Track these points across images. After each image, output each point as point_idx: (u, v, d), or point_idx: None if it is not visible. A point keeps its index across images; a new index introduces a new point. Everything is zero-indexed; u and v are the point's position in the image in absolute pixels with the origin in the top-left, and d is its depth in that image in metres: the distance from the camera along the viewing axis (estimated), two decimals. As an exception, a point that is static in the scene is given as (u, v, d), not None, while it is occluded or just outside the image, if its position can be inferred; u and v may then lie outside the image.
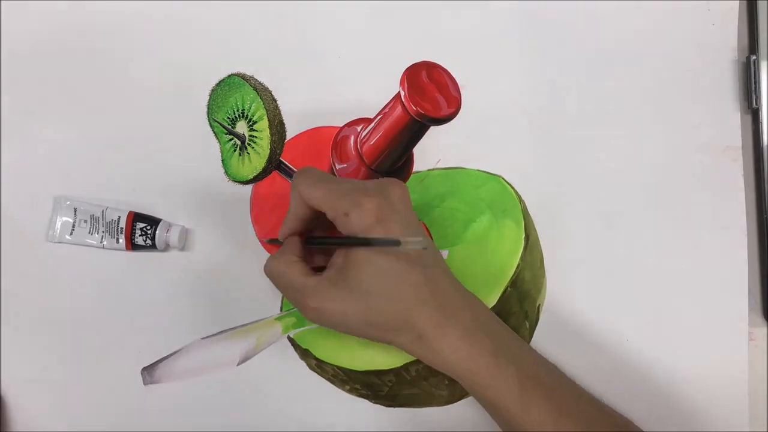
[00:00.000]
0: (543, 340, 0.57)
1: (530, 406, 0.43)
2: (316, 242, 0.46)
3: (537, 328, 0.57)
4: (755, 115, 0.58)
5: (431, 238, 0.57)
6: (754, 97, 0.58)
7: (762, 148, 0.58)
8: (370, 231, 0.42)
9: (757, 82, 0.58)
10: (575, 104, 0.60)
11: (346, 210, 0.42)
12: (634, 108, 0.60)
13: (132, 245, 0.58)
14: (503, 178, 0.59)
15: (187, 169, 0.60)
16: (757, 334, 0.57)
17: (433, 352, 0.44)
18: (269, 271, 0.46)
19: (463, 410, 0.56)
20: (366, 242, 0.41)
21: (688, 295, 0.57)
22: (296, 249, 0.46)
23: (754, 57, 0.58)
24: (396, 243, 0.39)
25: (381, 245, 0.41)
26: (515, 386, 0.43)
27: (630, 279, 0.57)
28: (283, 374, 0.58)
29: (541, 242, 0.58)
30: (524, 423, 0.44)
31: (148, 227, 0.58)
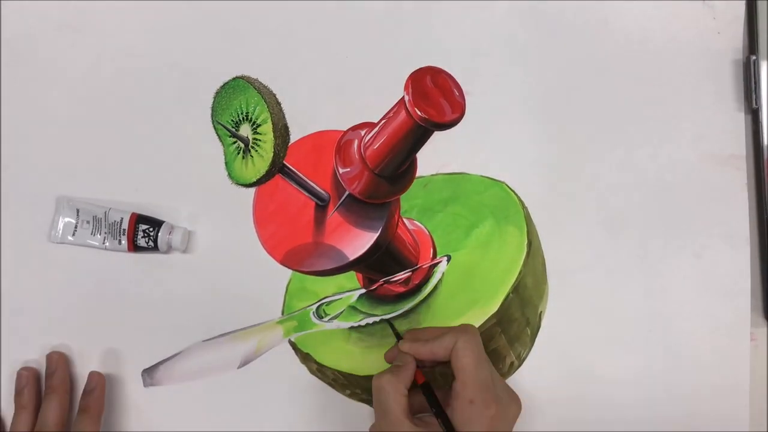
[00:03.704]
0: (545, 346, 0.57)
1: None
2: (429, 399, 0.48)
3: (538, 334, 0.57)
4: (755, 115, 0.58)
5: (433, 243, 0.57)
6: (754, 97, 0.58)
7: (762, 148, 0.57)
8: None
9: (757, 83, 0.58)
10: (579, 110, 0.60)
11: (473, 398, 0.45)
12: (637, 114, 0.60)
13: (134, 247, 0.58)
14: (506, 184, 0.59)
15: (190, 172, 0.60)
16: (757, 334, 0.57)
17: None
18: (379, 386, 0.47)
19: (464, 416, 0.56)
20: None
21: (690, 296, 0.57)
22: (409, 381, 0.48)
23: (753, 57, 0.58)
24: None
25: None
26: None
27: (631, 285, 0.57)
28: (283, 378, 0.57)
29: (544, 249, 0.58)
30: None
31: (151, 229, 0.58)
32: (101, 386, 0.57)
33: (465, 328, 0.48)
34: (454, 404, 0.46)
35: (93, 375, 0.57)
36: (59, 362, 0.57)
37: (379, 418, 0.47)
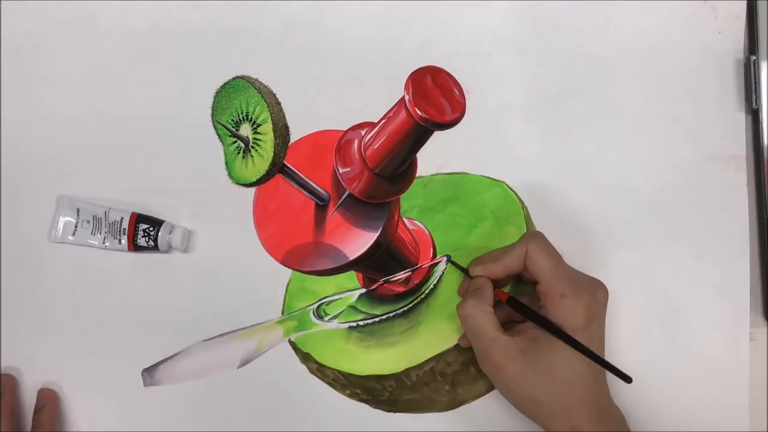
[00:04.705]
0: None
1: None
2: (522, 310, 0.49)
3: (538, 334, 0.57)
4: (755, 115, 0.58)
5: (433, 243, 0.57)
6: (754, 97, 0.58)
7: (762, 148, 0.57)
8: (578, 324, 0.46)
9: (757, 83, 0.58)
10: (579, 110, 0.60)
11: (563, 292, 0.47)
12: (637, 113, 0.60)
13: (134, 246, 0.58)
14: (506, 185, 0.59)
15: (190, 171, 0.60)
16: (757, 334, 0.57)
17: None
18: (465, 313, 0.49)
19: (463, 416, 0.56)
20: (575, 344, 0.46)
21: (689, 296, 0.57)
22: (491, 299, 0.50)
23: (754, 57, 0.58)
24: (627, 378, 0.46)
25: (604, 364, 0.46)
26: None
27: (631, 285, 0.57)
28: (283, 378, 0.57)
29: (544, 249, 0.58)
30: None
31: (151, 228, 0.58)
32: (52, 402, 0.57)
33: (531, 234, 0.50)
34: (546, 304, 0.48)
35: (43, 392, 0.58)
36: (7, 386, 0.57)
37: (476, 344, 0.48)
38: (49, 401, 0.57)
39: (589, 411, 0.46)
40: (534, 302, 0.51)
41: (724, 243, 0.57)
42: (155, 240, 0.58)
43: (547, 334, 0.47)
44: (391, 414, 0.56)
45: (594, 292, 0.48)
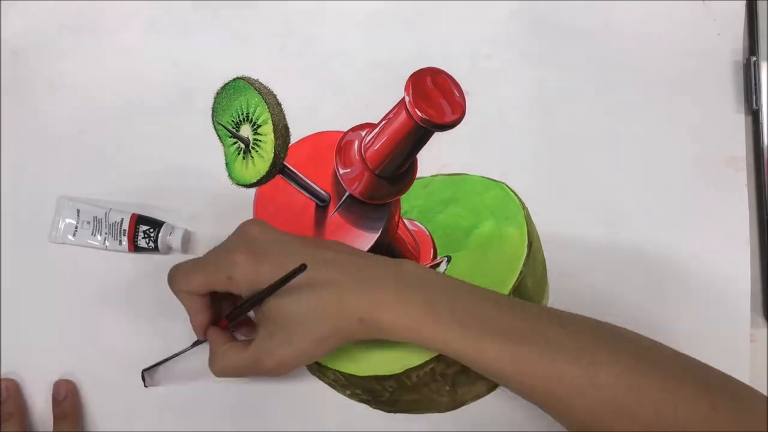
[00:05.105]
0: (544, 347, 0.56)
1: (481, 345, 0.42)
2: (236, 315, 0.49)
3: (539, 335, 0.57)
4: (755, 116, 0.58)
5: (433, 244, 0.57)
6: (754, 98, 0.58)
7: (762, 149, 0.58)
8: (259, 277, 0.45)
9: (757, 84, 0.58)
10: (579, 111, 0.60)
11: (227, 276, 0.46)
12: (637, 114, 0.60)
13: (135, 247, 0.58)
14: (507, 185, 0.59)
15: (190, 172, 0.60)
16: (757, 335, 0.57)
17: (380, 327, 0.44)
18: (220, 374, 0.49)
19: (464, 417, 0.56)
20: (271, 290, 0.44)
21: (689, 297, 0.57)
22: (220, 339, 0.49)
23: (754, 58, 0.58)
24: (294, 274, 0.42)
25: (281, 285, 0.43)
26: (458, 329, 0.43)
27: (631, 286, 0.57)
28: (283, 378, 0.57)
29: (544, 249, 0.58)
30: (483, 364, 0.43)
31: (151, 230, 0.58)
32: (72, 394, 0.57)
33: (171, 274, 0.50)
34: (236, 294, 0.48)
35: (62, 384, 0.58)
36: (10, 390, 0.57)
37: (253, 375, 0.48)
38: (69, 392, 0.57)
39: (354, 295, 0.44)
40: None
41: (724, 244, 0.57)
42: (155, 241, 0.58)
43: (264, 306, 0.46)
44: (392, 414, 0.56)
45: (241, 240, 0.47)
